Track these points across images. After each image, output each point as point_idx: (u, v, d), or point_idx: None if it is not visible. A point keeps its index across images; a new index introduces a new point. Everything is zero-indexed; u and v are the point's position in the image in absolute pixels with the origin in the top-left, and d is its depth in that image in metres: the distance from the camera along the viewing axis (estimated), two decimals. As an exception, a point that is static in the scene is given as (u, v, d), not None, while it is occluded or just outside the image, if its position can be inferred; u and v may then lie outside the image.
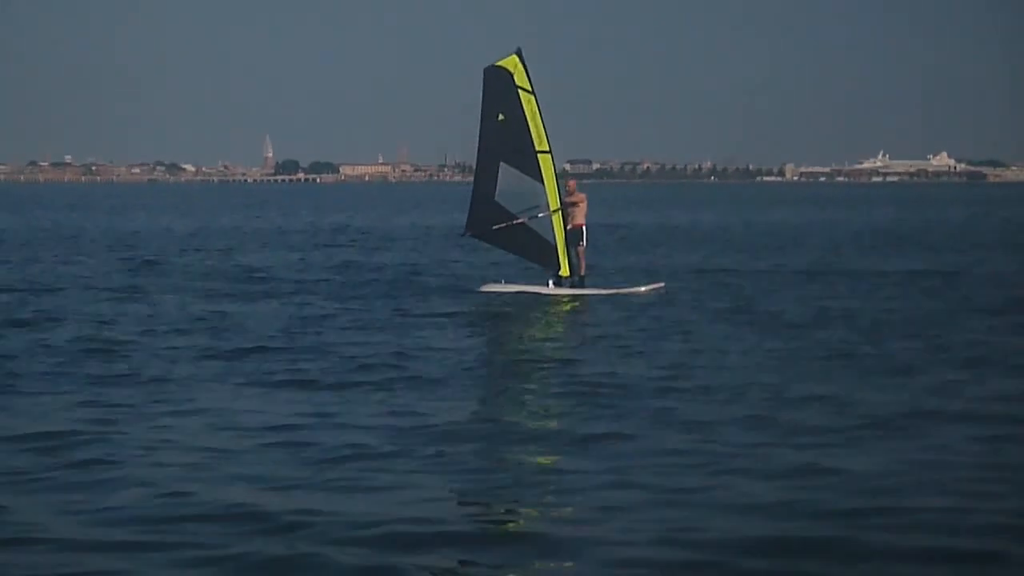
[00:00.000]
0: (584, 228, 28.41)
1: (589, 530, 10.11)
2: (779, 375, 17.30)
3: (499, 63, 28.03)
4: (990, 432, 13.69)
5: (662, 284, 29.12)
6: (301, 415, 14.59)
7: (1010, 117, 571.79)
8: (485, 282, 29.36)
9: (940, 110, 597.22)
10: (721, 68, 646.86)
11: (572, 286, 28.02)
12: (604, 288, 28.37)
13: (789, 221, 76.71)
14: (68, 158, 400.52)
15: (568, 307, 26.15)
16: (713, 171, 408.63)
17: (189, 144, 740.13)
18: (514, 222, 27.96)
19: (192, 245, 48.98)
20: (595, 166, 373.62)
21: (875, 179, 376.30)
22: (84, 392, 16.05)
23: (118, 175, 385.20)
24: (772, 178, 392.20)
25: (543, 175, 27.94)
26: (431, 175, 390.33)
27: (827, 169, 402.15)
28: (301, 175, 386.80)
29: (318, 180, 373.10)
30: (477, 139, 28.40)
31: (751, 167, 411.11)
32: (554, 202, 27.99)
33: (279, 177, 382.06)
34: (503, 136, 27.89)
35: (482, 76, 28.16)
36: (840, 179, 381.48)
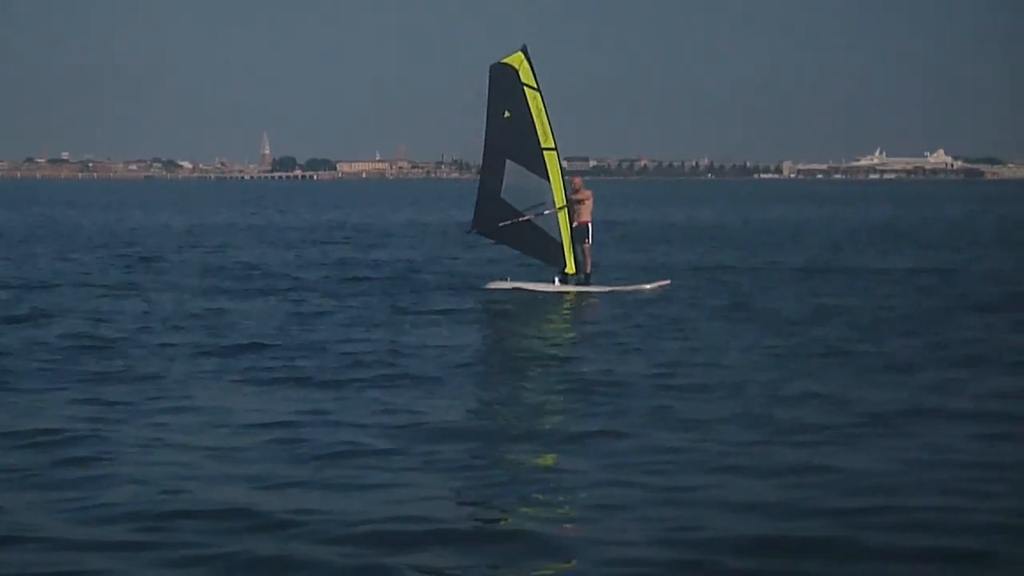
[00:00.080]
0: (590, 225, 28.35)
1: (585, 528, 10.06)
2: (777, 373, 17.26)
3: (505, 60, 27.97)
4: (988, 430, 13.65)
5: (668, 281, 29.08)
6: (296, 412, 14.53)
7: (1007, 115, 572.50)
8: (492, 279, 29.24)
9: (937, 108, 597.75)
10: (719, 66, 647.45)
11: (578, 284, 27.97)
12: (610, 286, 28.31)
13: (787, 218, 76.70)
14: (65, 155, 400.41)
15: (570, 304, 26.08)
16: (710, 168, 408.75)
17: (186, 141, 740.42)
18: (520, 219, 27.91)
19: (188, 242, 48.91)
20: (592, 163, 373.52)
21: (872, 176, 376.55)
22: (79, 389, 15.98)
23: (115, 172, 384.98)
24: (769, 175, 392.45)
25: (549, 172, 27.89)
26: (428, 172, 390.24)
27: (824, 166, 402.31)
28: (298, 172, 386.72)
29: (315, 177, 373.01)
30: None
31: (748, 164, 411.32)
32: (560, 199, 27.95)
33: (276, 174, 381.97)
34: (509, 133, 27.84)
35: (486, 73, 28.10)
36: (837, 176, 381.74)
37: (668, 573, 9.07)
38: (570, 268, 28.00)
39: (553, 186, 27.91)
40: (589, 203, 28.51)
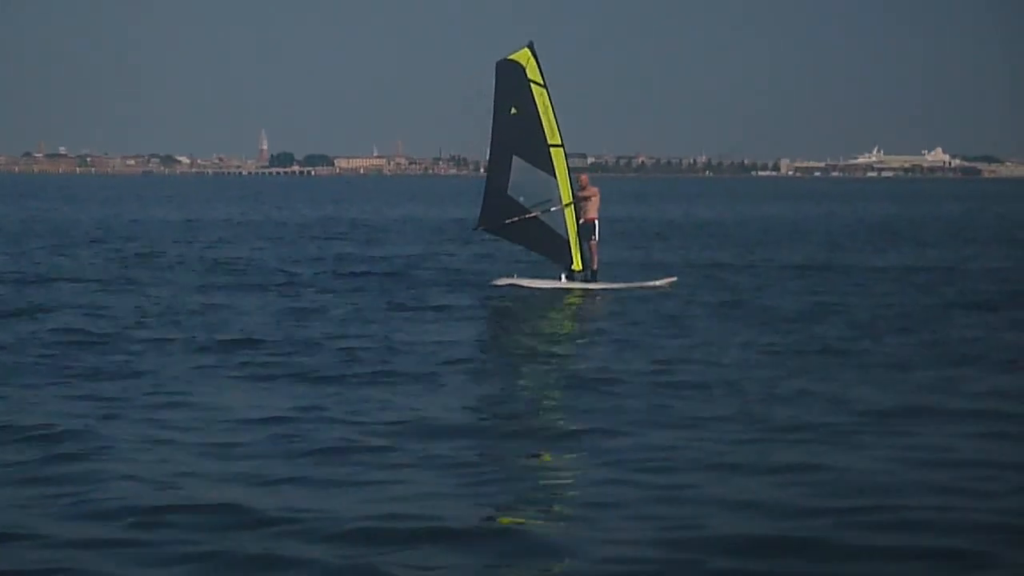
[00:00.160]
0: (597, 222, 28.30)
1: (581, 526, 10.02)
2: (774, 370, 17.22)
3: (511, 56, 27.93)
4: (984, 429, 13.63)
5: (674, 278, 29.03)
6: (291, 409, 14.47)
7: (1006, 113, 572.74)
8: (496, 276, 29.16)
9: (935, 106, 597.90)
10: (717, 63, 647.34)
11: (584, 280, 27.92)
12: (616, 282, 28.26)
13: (785, 216, 76.66)
14: (63, 149, 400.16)
15: (570, 301, 26.01)
16: (708, 165, 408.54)
17: (184, 137, 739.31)
18: (527, 216, 27.87)
19: (185, 237, 48.84)
20: (590, 160, 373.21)
21: (870, 174, 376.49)
22: (73, 385, 15.93)
23: (113, 167, 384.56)
24: (767, 173, 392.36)
25: (555, 169, 27.85)
26: (426, 168, 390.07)
27: (822, 164, 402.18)
28: (296, 168, 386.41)
29: (313, 173, 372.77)
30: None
31: (746, 162, 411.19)
32: (566, 196, 27.91)
33: (274, 170, 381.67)
34: (516, 130, 27.80)
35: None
36: (835, 174, 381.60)
37: (663, 571, 9.03)
38: (576, 265, 27.96)
39: (560, 182, 27.87)
40: (596, 200, 28.46)
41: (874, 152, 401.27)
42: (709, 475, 11.61)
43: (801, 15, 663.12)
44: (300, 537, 9.68)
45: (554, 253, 28.10)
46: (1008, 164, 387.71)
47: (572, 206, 27.88)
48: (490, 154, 28.41)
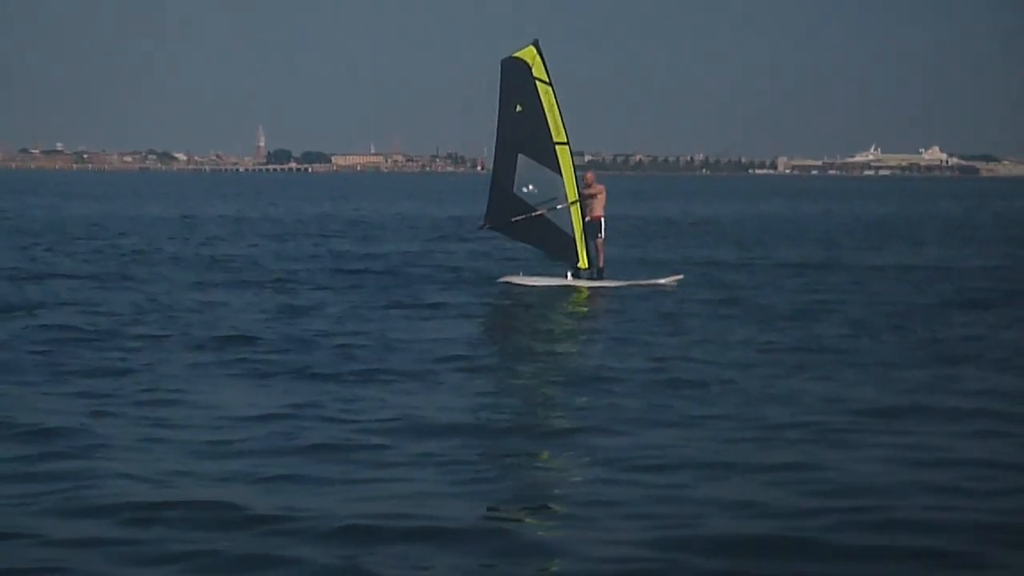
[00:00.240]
0: (603, 220, 28.28)
1: (575, 525, 9.99)
2: (771, 369, 17.19)
3: (516, 54, 27.91)
4: (980, 429, 13.59)
5: (680, 276, 28.99)
6: (286, 406, 14.42)
7: (1003, 112, 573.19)
8: (504, 274, 29.08)
9: (933, 104, 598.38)
10: (714, 61, 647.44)
11: (590, 278, 27.89)
12: (622, 280, 28.22)
13: (782, 214, 76.64)
14: (59, 146, 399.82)
15: (573, 299, 25.94)
16: (705, 163, 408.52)
17: (181, 133, 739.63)
18: (533, 214, 27.84)
19: (181, 233, 48.78)
20: (587, 158, 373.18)
21: (867, 172, 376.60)
22: (66, 381, 15.88)
23: (110, 163, 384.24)
24: (764, 171, 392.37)
25: (561, 166, 27.82)
26: (423, 166, 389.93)
27: (819, 162, 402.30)
28: (293, 164, 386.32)
29: (310, 170, 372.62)
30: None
31: (743, 160, 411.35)
32: (572, 194, 27.89)
33: (271, 166, 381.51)
34: (521, 128, 27.77)
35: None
36: (832, 172, 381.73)
37: (658, 571, 8.99)
38: (582, 263, 27.93)
39: (565, 180, 27.84)
40: (602, 197, 28.43)
41: (871, 150, 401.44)
42: (705, 474, 11.57)
43: (799, 14, 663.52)
44: (294, 535, 9.63)
45: (560, 251, 28.08)
46: (1006, 163, 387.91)
47: (578, 204, 27.86)
48: (495, 152, 28.39)
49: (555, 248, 28.15)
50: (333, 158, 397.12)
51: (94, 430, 13.15)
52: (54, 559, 9.10)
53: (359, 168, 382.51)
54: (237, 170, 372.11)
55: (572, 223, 27.82)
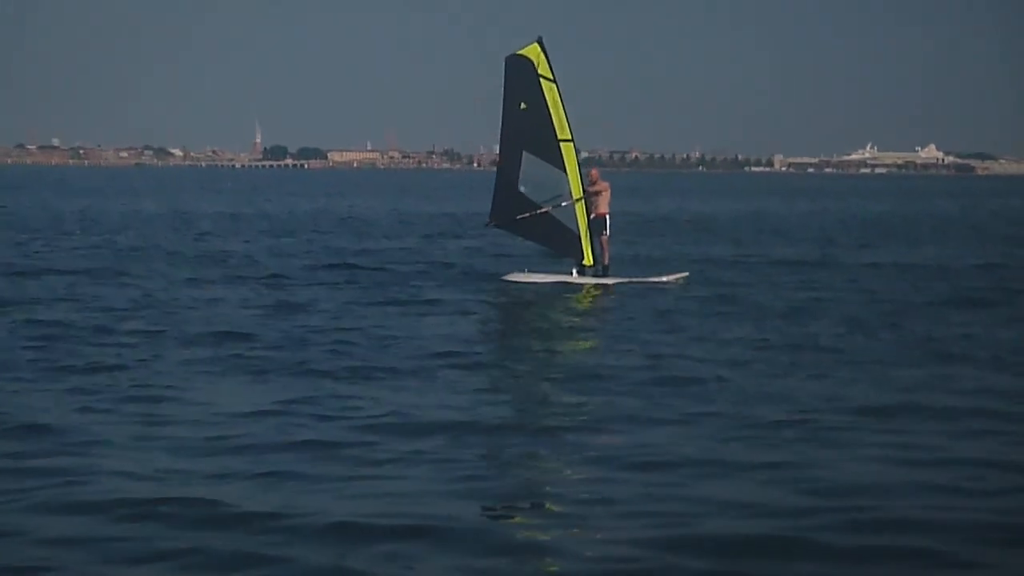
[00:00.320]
0: (607, 217, 28.25)
1: (569, 523, 9.94)
2: (766, 367, 17.15)
3: (521, 52, 27.89)
4: (974, 428, 13.55)
5: (686, 274, 28.97)
6: (279, 403, 14.37)
7: (999, 110, 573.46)
8: (511, 271, 29.01)
9: (929, 103, 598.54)
10: (711, 59, 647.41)
11: (595, 275, 27.85)
12: (627, 278, 28.18)
13: (778, 212, 76.60)
14: (56, 141, 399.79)
15: (573, 297, 25.87)
16: (701, 161, 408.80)
17: (178, 129, 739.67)
18: (538, 211, 27.79)
19: (176, 229, 48.68)
20: (584, 155, 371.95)
21: (863, 170, 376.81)
22: (57, 377, 15.81)
23: (105, 159, 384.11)
24: (760, 169, 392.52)
25: (566, 164, 27.81)
26: (420, 162, 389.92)
27: (816, 160, 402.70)
28: (289, 161, 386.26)
29: (306, 166, 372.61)
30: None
31: (740, 157, 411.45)
32: (577, 191, 27.86)
33: (267, 163, 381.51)
34: (525, 125, 27.74)
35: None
36: (828, 170, 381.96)
37: (651, 570, 8.94)
38: (587, 260, 27.91)
39: (570, 177, 27.83)
40: (606, 194, 28.41)
41: (868, 148, 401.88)
42: (701, 472, 11.53)
43: (796, 12, 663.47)
44: (284, 533, 9.57)
45: (565, 248, 28.07)
46: (1002, 161, 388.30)
47: (583, 201, 27.82)
48: (500, 149, 28.36)
49: (560, 245, 28.13)
50: (329, 154, 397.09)
51: (87, 426, 13.09)
52: (45, 556, 9.05)
53: (355, 164, 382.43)
54: (233, 166, 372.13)
55: (577, 220, 27.79)
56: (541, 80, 27.75)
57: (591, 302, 25.06)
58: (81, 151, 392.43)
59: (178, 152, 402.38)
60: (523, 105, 27.79)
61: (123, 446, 12.34)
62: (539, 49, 27.86)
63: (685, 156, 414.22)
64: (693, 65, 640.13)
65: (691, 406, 14.46)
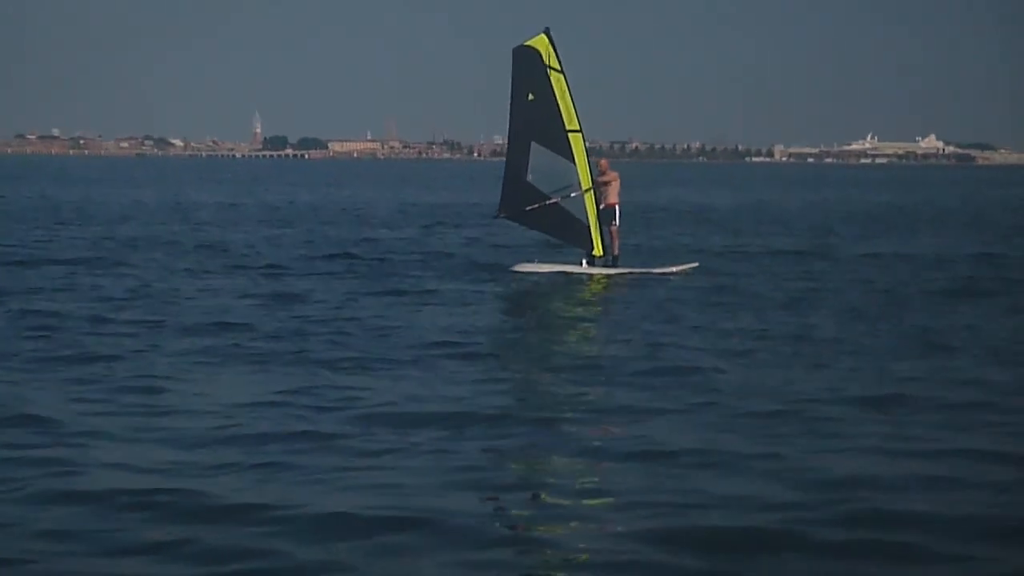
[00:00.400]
0: (617, 207, 28.21)
1: (562, 515, 9.89)
2: (765, 358, 17.11)
3: (528, 43, 27.84)
4: (972, 420, 13.49)
5: (695, 264, 28.95)
6: (276, 393, 14.32)
7: (999, 101, 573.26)
8: (520, 262, 28.95)
9: (929, 93, 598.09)
10: (711, 48, 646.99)
11: (605, 266, 27.83)
12: (637, 268, 28.14)
13: (779, 201, 76.55)
14: (56, 131, 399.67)
15: (573, 287, 25.82)
16: (702, 151, 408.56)
17: (178, 119, 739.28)
18: (547, 202, 27.76)
19: (176, 220, 48.65)
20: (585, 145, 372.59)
21: (864, 161, 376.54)
22: (52, 368, 15.76)
23: (106, 149, 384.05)
24: (760, 159, 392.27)
25: (574, 154, 27.76)
26: (420, 152, 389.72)
27: (816, 150, 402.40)
28: (289, 151, 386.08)
29: (307, 156, 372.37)
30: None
31: (740, 148, 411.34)
32: (586, 181, 27.82)
33: (267, 153, 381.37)
34: (533, 116, 27.69)
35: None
36: (829, 160, 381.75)
37: (647, 562, 8.88)
38: (597, 250, 27.87)
39: (579, 168, 27.78)
40: (616, 184, 28.37)
41: (868, 139, 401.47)
42: (699, 463, 11.48)
43: (795, 1, 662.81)
44: (280, 524, 9.50)
45: (575, 239, 28.03)
46: (1002, 151, 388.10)
47: (592, 191, 27.79)
48: (508, 141, 28.33)
49: (570, 236, 28.10)
50: (329, 144, 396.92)
51: (83, 417, 13.04)
52: (39, 547, 8.99)
53: (355, 155, 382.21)
54: (233, 156, 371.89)
55: (586, 211, 27.76)
56: (549, 71, 27.71)
57: (591, 292, 25.02)
58: (81, 141, 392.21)
59: (178, 142, 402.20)
60: (531, 96, 27.75)
61: (119, 437, 12.30)
62: (547, 40, 27.82)
63: (685, 146, 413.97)
64: (693, 55, 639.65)
65: (690, 396, 14.42)
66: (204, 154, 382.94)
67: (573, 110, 27.76)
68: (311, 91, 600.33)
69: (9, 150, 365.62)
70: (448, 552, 9.01)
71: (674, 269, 28.28)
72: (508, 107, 27.94)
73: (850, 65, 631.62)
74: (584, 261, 27.86)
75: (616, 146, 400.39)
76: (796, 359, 17.04)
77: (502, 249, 34.03)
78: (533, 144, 27.77)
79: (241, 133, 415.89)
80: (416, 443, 12.11)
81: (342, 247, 35.18)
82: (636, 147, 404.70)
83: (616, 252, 28.23)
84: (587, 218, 27.76)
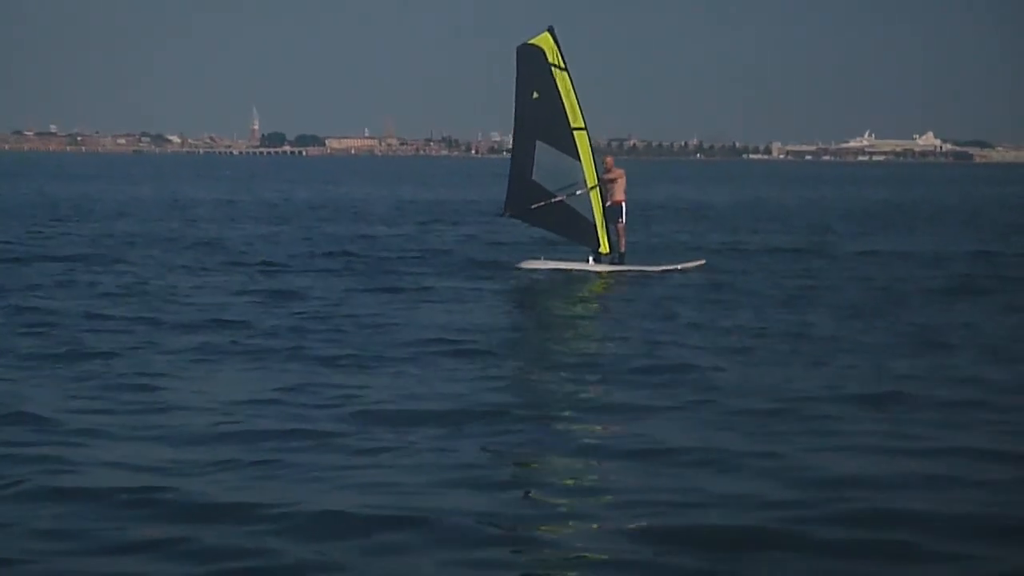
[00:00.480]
0: (623, 204, 28.23)
1: (558, 513, 9.87)
2: (763, 355, 17.09)
3: (532, 41, 27.84)
4: (970, 418, 13.47)
5: (703, 261, 28.94)
6: (273, 391, 14.30)
7: (997, 98, 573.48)
8: (527, 259, 28.92)
9: (927, 90, 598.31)
10: (709, 46, 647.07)
11: (612, 263, 27.82)
12: (644, 265, 28.13)
13: (776, 199, 76.53)
14: (53, 127, 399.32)
15: (572, 284, 25.80)
16: (700, 148, 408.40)
17: (175, 116, 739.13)
18: (552, 200, 27.74)
19: (173, 217, 48.60)
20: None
21: (861, 158, 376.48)
22: (51, 365, 15.74)
23: (103, 146, 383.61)
24: (758, 156, 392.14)
25: (580, 152, 27.76)
26: (418, 149, 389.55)
27: (813, 147, 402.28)
28: (287, 148, 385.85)
29: (304, 153, 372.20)
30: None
31: (738, 145, 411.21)
32: (591, 179, 27.81)
33: (265, 149, 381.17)
34: (538, 114, 27.67)
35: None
36: (826, 158, 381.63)
37: (644, 560, 8.87)
38: (603, 248, 27.87)
39: (584, 166, 27.79)
40: (622, 182, 28.41)
41: (866, 136, 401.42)
42: (696, 462, 11.46)
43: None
44: (277, 522, 9.47)
45: (581, 236, 28.03)
46: (999, 149, 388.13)
47: (597, 189, 27.77)
48: (513, 139, 28.29)
49: (576, 234, 28.10)
50: (327, 141, 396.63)
51: (80, 414, 13.01)
52: (31, 546, 8.96)
53: (353, 151, 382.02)
54: (231, 153, 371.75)
55: (592, 208, 27.74)
56: (553, 69, 27.69)
57: (590, 289, 24.99)
58: (79, 137, 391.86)
59: (176, 139, 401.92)
60: (535, 94, 27.74)
61: (116, 434, 12.27)
62: (551, 38, 27.82)
63: (683, 144, 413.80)
64: (692, 53, 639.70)
65: (688, 394, 14.40)
66: (201, 151, 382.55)
67: (578, 108, 27.76)
68: (309, 88, 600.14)
69: (6, 146, 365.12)
70: (446, 550, 8.99)
71: (681, 266, 28.27)
72: (508, 104, 27.98)
73: (848, 63, 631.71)
74: (591, 258, 27.85)
75: (614, 143, 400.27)
76: (794, 357, 17.03)
77: (500, 246, 34.01)
78: (538, 142, 27.76)
79: (239, 130, 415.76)
80: (414, 441, 12.08)
81: (339, 244, 35.16)
82: (634, 144, 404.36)
83: (623, 249, 28.25)
84: (593, 215, 27.76)
